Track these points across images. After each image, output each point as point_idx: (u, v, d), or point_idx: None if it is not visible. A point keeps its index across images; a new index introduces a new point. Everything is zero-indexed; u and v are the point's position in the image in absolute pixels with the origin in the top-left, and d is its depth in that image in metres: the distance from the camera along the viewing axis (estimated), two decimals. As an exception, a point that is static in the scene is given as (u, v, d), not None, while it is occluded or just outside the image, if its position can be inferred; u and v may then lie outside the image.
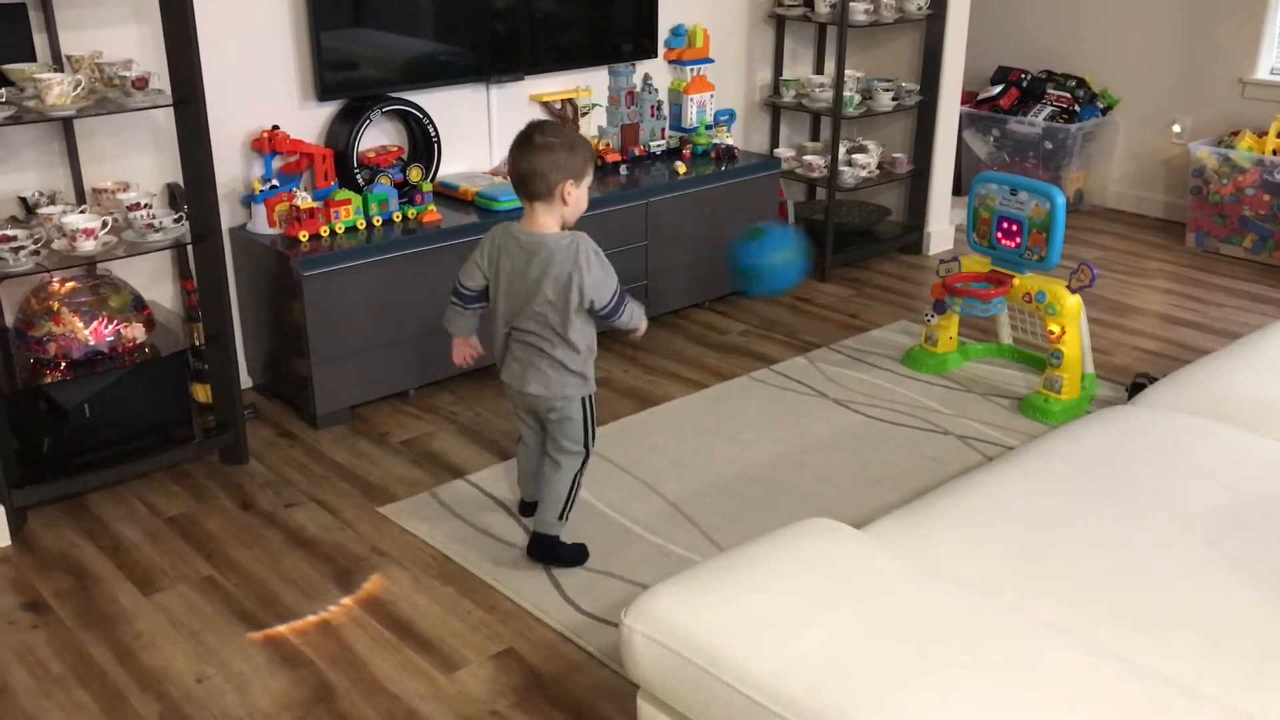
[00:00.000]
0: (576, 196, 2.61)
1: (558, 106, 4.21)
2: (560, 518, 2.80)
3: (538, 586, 2.75)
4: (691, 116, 4.57)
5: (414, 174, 3.76)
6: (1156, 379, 3.08)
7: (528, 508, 3.01)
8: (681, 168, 4.26)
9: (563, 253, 2.58)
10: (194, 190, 3.08)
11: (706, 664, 1.77)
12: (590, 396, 2.75)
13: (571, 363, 2.67)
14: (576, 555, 2.84)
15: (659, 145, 4.49)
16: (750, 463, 3.32)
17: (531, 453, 2.91)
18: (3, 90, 2.80)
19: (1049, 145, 5.64)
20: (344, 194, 3.55)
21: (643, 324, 2.78)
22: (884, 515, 2.29)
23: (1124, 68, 5.70)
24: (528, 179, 2.57)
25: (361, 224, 3.56)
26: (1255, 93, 5.28)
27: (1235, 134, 5.19)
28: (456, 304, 2.78)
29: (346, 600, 2.72)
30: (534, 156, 2.55)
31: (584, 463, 2.80)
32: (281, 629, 2.62)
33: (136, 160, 3.37)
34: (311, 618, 2.66)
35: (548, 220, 2.61)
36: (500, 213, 3.71)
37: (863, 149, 4.89)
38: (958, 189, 5.42)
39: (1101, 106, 5.72)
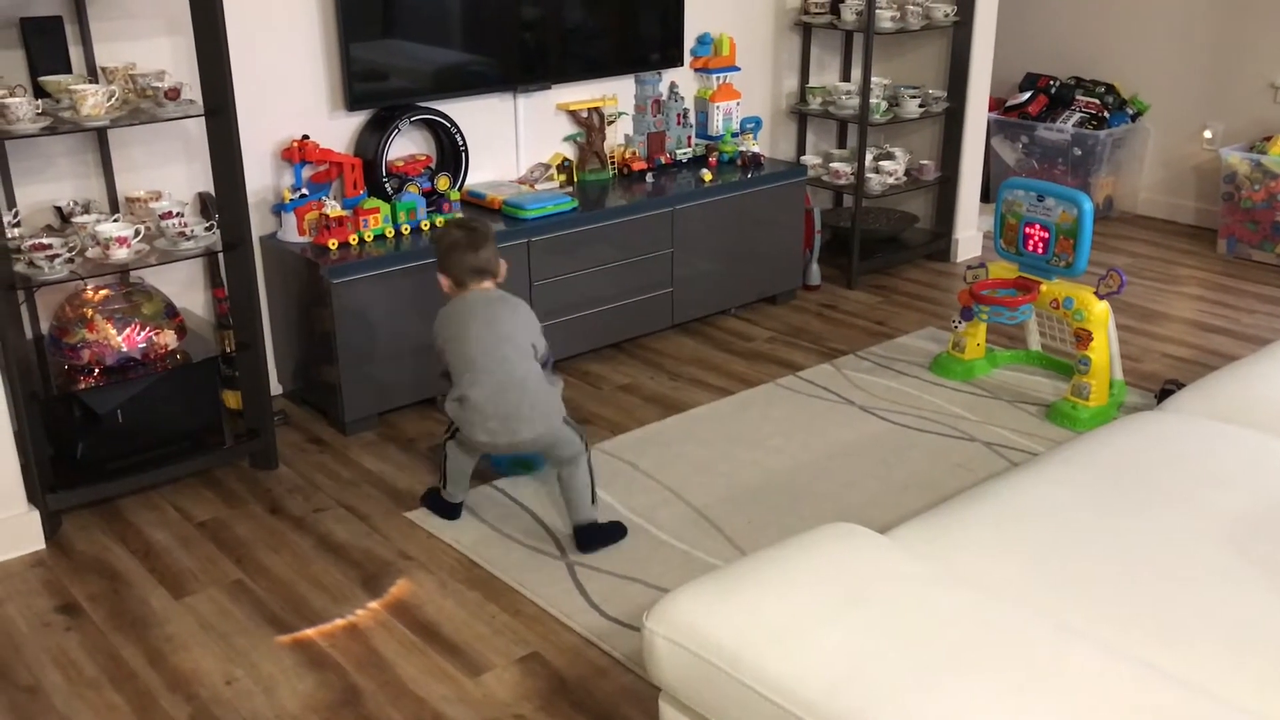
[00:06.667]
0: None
1: (584, 115, 4.23)
2: (593, 503, 2.97)
3: (563, 591, 2.76)
4: (718, 124, 4.58)
5: (442, 183, 3.79)
6: (1185, 385, 3.06)
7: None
8: (708, 175, 4.27)
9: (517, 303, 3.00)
10: (225, 199, 3.12)
11: (727, 666, 1.77)
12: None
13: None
14: (619, 531, 3.00)
15: (685, 153, 4.51)
16: (775, 469, 3.32)
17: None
18: (39, 102, 2.84)
19: (1078, 152, 5.60)
20: (373, 202, 3.58)
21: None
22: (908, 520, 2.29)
23: (1154, 74, 5.66)
24: (491, 264, 2.96)
25: (390, 232, 3.60)
26: (1287, 98, 5.24)
27: (1267, 139, 5.14)
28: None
29: (373, 604, 2.74)
30: (489, 247, 2.96)
31: (587, 448, 3.00)
32: (309, 632, 2.64)
33: (169, 169, 3.42)
34: (339, 621, 2.68)
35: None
36: (527, 220, 3.74)
37: (890, 156, 4.88)
38: (986, 196, 5.40)
39: (1131, 113, 5.68)
